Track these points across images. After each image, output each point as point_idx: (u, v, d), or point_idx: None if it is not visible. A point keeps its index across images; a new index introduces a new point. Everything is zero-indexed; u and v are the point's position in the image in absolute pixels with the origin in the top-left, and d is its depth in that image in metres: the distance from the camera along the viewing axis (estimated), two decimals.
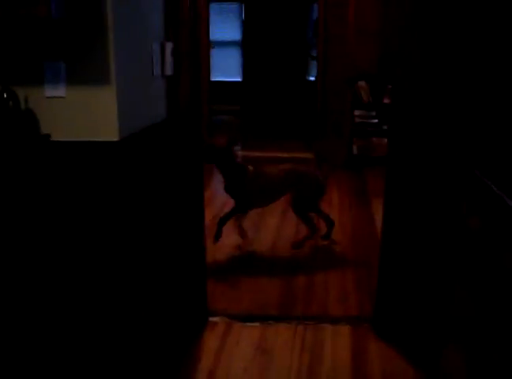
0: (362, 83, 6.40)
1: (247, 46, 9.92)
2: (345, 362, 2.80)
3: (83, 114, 2.10)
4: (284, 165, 4.27)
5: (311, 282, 3.71)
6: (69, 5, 1.85)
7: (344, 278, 3.76)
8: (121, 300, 2.14)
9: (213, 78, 9.35)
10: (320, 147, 6.84)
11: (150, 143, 2.41)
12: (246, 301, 3.42)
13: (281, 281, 3.70)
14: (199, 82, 2.78)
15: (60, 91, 2.09)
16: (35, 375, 2.17)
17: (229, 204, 4.30)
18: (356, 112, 6.50)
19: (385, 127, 6.14)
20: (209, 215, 4.31)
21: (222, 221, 4.09)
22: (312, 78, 8.44)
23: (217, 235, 4.02)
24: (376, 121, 6.43)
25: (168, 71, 2.60)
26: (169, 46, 2.58)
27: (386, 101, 6.08)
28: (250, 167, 4.08)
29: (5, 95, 2.00)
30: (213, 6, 9.32)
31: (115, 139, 2.10)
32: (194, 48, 2.69)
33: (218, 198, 5.28)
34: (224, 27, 10.02)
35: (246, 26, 9.81)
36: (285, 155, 7.15)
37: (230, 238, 4.29)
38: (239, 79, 10.25)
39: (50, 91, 2.09)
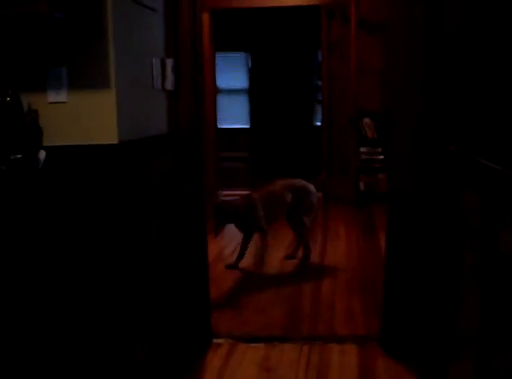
0: (367, 120, 6.49)
1: (254, 94, 10.14)
2: (353, 378, 2.72)
3: (83, 118, 2.16)
4: (281, 181, 4.47)
5: (317, 304, 3.66)
6: (69, 6, 1.92)
7: (350, 300, 3.70)
8: (124, 316, 2.15)
9: (221, 125, 9.53)
10: (327, 184, 6.88)
11: (148, 151, 2.45)
12: (250, 322, 3.36)
13: (286, 304, 3.66)
14: (199, 99, 2.84)
15: (62, 96, 2.15)
16: None
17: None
18: (362, 149, 6.54)
19: None
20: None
21: (241, 255, 4.41)
22: (319, 123, 8.58)
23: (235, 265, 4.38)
24: (382, 157, 6.46)
25: (169, 86, 2.67)
26: (169, 62, 2.66)
27: None
28: (254, 195, 4.19)
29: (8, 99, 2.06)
30: (221, 56, 9.61)
31: (114, 142, 2.14)
32: (195, 65, 2.76)
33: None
34: (232, 75, 10.27)
35: (253, 74, 10.06)
36: None
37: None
38: (247, 126, 10.42)
39: (52, 96, 2.15)
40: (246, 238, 4.40)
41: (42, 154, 2.09)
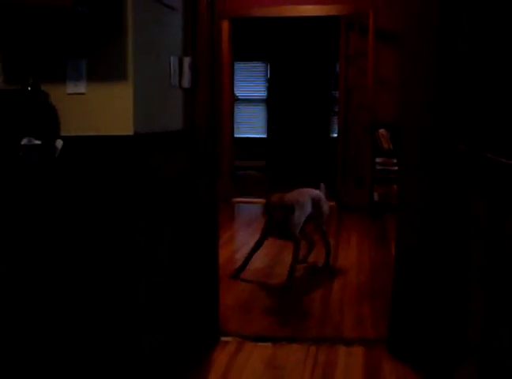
0: (382, 130, 6.51)
1: (272, 104, 10.21)
2: (359, 378, 2.73)
3: (101, 110, 2.22)
4: (299, 190, 4.43)
5: (326, 307, 3.67)
6: (92, 1, 1.99)
7: (359, 305, 3.71)
8: (130, 309, 2.18)
9: (239, 135, 9.61)
10: (341, 194, 6.89)
11: (164, 145, 2.50)
12: (258, 322, 3.39)
13: (295, 306, 3.68)
14: (215, 98, 2.89)
15: (81, 88, 2.21)
16: None
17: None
18: (377, 159, 6.56)
19: None
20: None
21: (248, 259, 4.28)
22: (335, 135, 8.61)
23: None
24: (397, 168, 6.45)
25: (186, 84, 2.72)
26: (187, 60, 2.72)
27: None
28: (286, 199, 4.00)
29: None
30: (240, 65, 9.72)
31: (130, 133, 2.20)
32: (212, 64, 2.82)
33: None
34: (250, 85, 10.35)
35: (271, 84, 10.14)
36: None
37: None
38: (264, 135, 10.49)
39: (71, 87, 2.22)
40: (259, 242, 4.27)
41: (59, 143, 2.15)
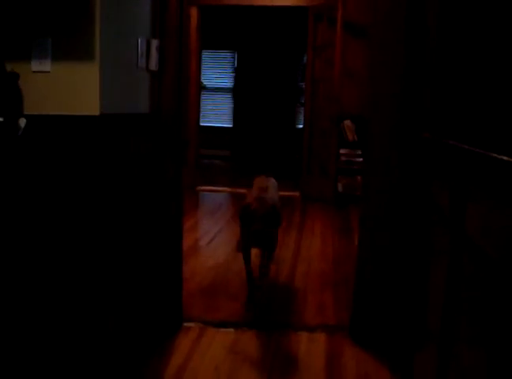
0: (347, 122, 6.57)
1: (239, 93, 10.19)
2: (320, 363, 2.76)
3: (66, 89, 2.17)
4: (261, 179, 3.92)
5: (289, 295, 3.70)
6: None
7: (322, 293, 3.75)
8: (97, 286, 2.17)
9: (205, 123, 9.56)
10: (306, 185, 6.93)
11: (129, 126, 2.47)
12: (222, 309, 3.39)
13: (259, 293, 3.69)
14: (182, 81, 2.87)
15: (46, 66, 2.16)
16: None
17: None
18: (342, 151, 6.62)
19: None
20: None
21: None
22: (301, 126, 8.65)
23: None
24: (361, 159, 6.53)
25: (153, 66, 2.69)
26: (155, 42, 2.69)
27: None
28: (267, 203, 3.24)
29: None
30: (208, 54, 9.66)
31: (96, 114, 2.16)
32: (179, 47, 2.79)
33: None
34: (217, 73, 10.30)
35: (238, 73, 10.11)
36: None
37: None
38: (230, 125, 10.45)
39: (36, 65, 2.16)
40: (246, 256, 3.49)
41: (22, 121, 2.10)
